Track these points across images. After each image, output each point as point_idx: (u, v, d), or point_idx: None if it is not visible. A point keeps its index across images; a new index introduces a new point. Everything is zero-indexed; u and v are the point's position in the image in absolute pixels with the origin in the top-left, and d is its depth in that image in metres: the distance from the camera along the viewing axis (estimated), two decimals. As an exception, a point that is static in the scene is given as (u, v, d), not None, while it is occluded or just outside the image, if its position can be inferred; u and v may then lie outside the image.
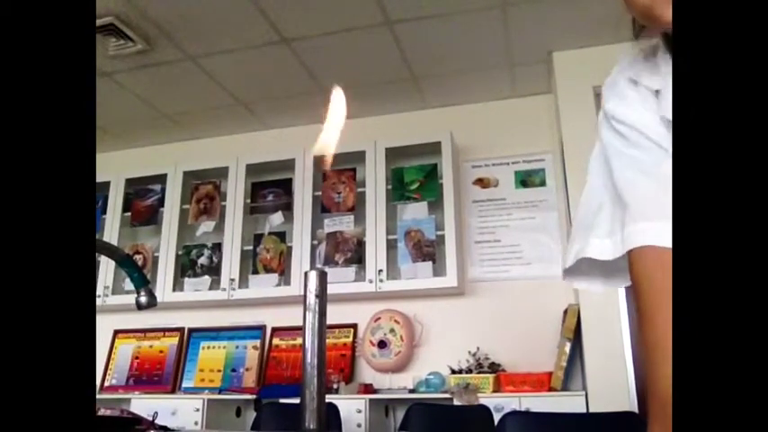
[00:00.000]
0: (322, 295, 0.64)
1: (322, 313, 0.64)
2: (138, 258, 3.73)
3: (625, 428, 2.06)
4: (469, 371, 3.04)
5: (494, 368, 3.04)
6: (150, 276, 3.59)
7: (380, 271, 3.21)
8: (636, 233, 0.61)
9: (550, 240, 3.29)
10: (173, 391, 3.46)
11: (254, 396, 3.13)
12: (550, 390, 2.81)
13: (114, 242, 3.68)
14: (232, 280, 3.45)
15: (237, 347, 3.53)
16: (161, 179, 3.81)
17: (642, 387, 2.68)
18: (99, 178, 3.84)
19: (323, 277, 0.65)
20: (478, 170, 3.52)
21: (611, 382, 2.68)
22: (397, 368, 3.24)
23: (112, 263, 3.51)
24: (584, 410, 2.66)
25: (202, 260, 3.60)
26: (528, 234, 3.34)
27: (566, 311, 3.01)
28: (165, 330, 3.69)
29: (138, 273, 1.23)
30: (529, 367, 3.00)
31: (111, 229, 3.77)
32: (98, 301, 3.58)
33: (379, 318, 3.31)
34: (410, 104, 3.66)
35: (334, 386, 3.06)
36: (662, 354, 0.55)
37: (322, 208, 3.47)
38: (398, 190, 3.41)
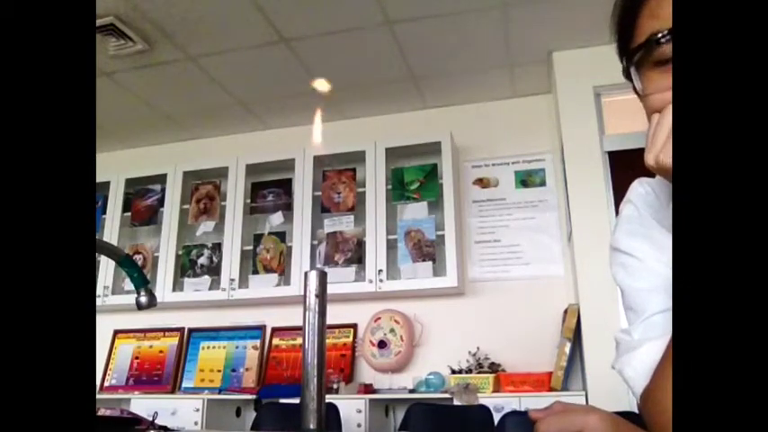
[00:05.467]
0: (322, 295, 0.64)
1: (322, 313, 0.64)
2: (138, 258, 3.73)
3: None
4: (469, 371, 3.04)
5: (494, 368, 3.04)
6: (150, 276, 3.59)
7: (380, 271, 3.21)
8: None
9: (550, 240, 3.29)
10: (172, 391, 3.46)
11: (254, 396, 3.13)
12: (550, 390, 2.81)
13: (114, 242, 3.68)
14: (232, 280, 3.45)
15: (237, 347, 3.53)
16: (161, 179, 3.81)
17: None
18: (99, 178, 3.84)
19: (323, 277, 0.65)
20: (478, 170, 3.52)
21: (611, 382, 2.66)
22: (397, 368, 3.24)
23: (112, 263, 3.51)
24: (585, 410, 2.65)
25: (202, 260, 3.60)
26: (528, 234, 3.33)
27: (566, 311, 3.01)
28: (165, 330, 3.69)
29: (138, 273, 1.23)
30: (529, 367, 3.00)
31: (111, 229, 3.77)
32: (98, 301, 3.58)
33: (379, 318, 3.31)
34: (410, 104, 3.66)
35: (334, 386, 3.05)
36: None
37: (322, 208, 3.47)
38: (398, 190, 3.41)
